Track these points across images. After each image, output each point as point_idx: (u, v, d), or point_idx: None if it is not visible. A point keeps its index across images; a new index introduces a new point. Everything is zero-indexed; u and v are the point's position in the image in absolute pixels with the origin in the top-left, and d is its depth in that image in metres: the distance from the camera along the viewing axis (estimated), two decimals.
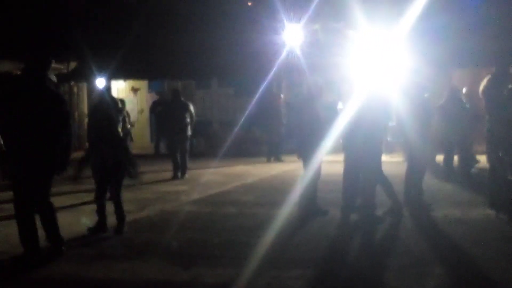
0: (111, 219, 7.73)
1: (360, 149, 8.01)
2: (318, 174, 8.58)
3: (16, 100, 6.09)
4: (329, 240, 7.18)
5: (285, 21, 16.93)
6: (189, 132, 13.61)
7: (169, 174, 13.38)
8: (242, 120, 19.13)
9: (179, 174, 13.30)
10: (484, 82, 8.91)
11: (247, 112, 19.09)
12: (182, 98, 14.12)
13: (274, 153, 17.03)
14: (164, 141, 18.73)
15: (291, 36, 17.17)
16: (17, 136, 6.08)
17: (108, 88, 9.43)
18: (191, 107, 13.79)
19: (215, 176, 13.61)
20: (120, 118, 8.93)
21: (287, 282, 5.41)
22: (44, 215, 6.35)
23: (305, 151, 8.51)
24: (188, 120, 13.52)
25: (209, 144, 20.01)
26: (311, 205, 8.53)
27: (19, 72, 18.96)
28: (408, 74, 9.65)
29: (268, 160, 16.72)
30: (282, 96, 18.59)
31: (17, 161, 6.14)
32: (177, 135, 13.50)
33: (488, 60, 15.09)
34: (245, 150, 19.06)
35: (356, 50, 16.29)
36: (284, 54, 17.57)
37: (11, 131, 6.14)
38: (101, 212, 7.72)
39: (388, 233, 7.57)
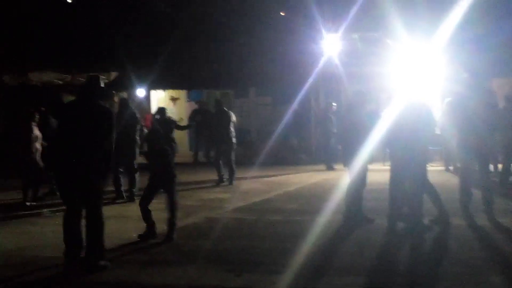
0: (160, 226, 7.85)
1: (406, 158, 8.00)
2: (363, 182, 8.61)
3: (70, 116, 6.45)
4: (377, 248, 7.18)
5: (323, 30, 17.01)
6: (234, 141, 13.77)
7: (210, 182, 13.51)
8: (279, 128, 19.21)
9: (225, 180, 13.53)
10: None
11: (284, 121, 19.18)
12: (225, 108, 14.24)
13: (328, 161, 16.83)
14: (203, 149, 18.94)
15: (329, 45, 17.24)
16: (70, 148, 6.25)
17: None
18: (234, 117, 13.95)
19: (256, 184, 13.69)
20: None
21: None
22: (93, 224, 6.35)
23: (350, 160, 8.53)
24: (232, 129, 13.70)
25: (247, 153, 20.10)
26: (357, 213, 8.55)
27: (61, 82, 19.50)
28: (448, 83, 9.61)
29: (329, 168, 16.47)
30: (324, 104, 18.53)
31: (69, 170, 6.28)
32: (222, 144, 13.68)
33: None
34: (283, 159, 19.11)
35: (395, 59, 16.32)
36: (322, 63, 17.64)
37: (65, 144, 6.33)
38: (147, 218, 7.84)
39: (436, 241, 7.54)
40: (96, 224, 6.34)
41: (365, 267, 6.26)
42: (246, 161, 17.97)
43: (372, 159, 8.76)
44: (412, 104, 8.25)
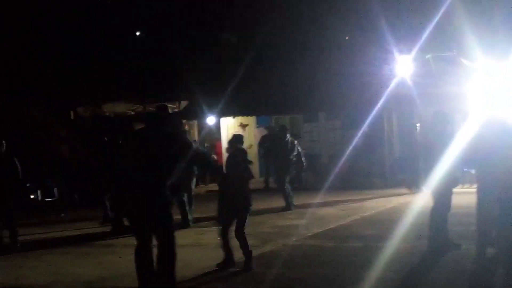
0: (237, 253, 7.72)
1: (497, 180, 7.60)
2: (448, 205, 8.23)
3: (139, 142, 6.29)
4: (468, 275, 6.82)
5: (395, 52, 16.68)
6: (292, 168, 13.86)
7: (279, 207, 13.40)
8: (350, 152, 18.90)
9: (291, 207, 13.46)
10: None
11: (355, 144, 18.86)
12: (288, 135, 14.20)
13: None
14: (274, 175, 18.80)
15: (401, 66, 16.88)
16: (139, 176, 6.05)
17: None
18: (296, 144, 14.01)
19: (330, 209, 13.44)
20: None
21: None
22: (166, 256, 6.14)
23: (432, 182, 8.16)
24: (293, 156, 13.77)
25: (317, 177, 19.86)
26: (443, 239, 8.16)
27: (133, 113, 19.86)
28: None
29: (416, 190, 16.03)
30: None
31: (140, 201, 6.07)
32: (285, 170, 13.67)
33: None
34: (355, 183, 18.76)
35: (470, 79, 15.83)
36: (394, 84, 17.28)
37: (133, 172, 6.12)
38: (226, 247, 7.73)
39: None
40: (169, 256, 6.12)
41: None
42: (317, 186, 17.73)
43: (457, 182, 8.37)
44: (499, 122, 7.89)
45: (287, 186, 13.83)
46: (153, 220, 6.03)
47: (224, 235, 7.71)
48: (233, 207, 7.75)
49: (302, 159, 14.42)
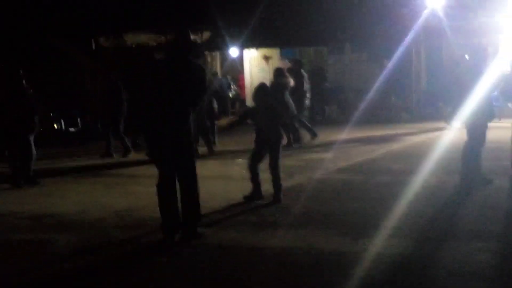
0: (263, 187, 7.63)
1: None
2: (482, 141, 7.99)
3: (160, 75, 5.98)
4: (502, 210, 6.65)
5: None
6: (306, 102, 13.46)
7: (307, 141, 13.25)
8: (377, 86, 18.60)
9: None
10: None
11: (382, 78, 18.53)
12: (302, 70, 13.87)
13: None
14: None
15: None
16: (161, 108, 5.83)
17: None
18: (305, 78, 13.60)
19: (356, 143, 13.27)
20: None
21: (472, 255, 5.00)
22: (189, 188, 5.90)
23: (470, 118, 7.90)
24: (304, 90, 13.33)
25: (342, 111, 19.67)
26: (476, 174, 7.96)
27: (155, 44, 19.55)
28: None
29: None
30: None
31: (161, 135, 5.86)
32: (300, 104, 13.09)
33: None
34: (381, 117, 18.54)
35: (503, 12, 15.29)
36: (424, 16, 16.77)
37: (155, 103, 5.89)
38: (255, 180, 7.63)
39: None
40: (192, 189, 5.90)
41: (492, 231, 5.78)
42: (343, 119, 17.54)
43: (493, 116, 8.10)
44: None
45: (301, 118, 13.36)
46: (176, 148, 5.83)
47: (254, 168, 7.59)
48: (265, 141, 7.61)
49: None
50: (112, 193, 8.46)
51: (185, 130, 5.85)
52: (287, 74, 12.80)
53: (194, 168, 5.93)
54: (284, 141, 12.36)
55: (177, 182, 5.88)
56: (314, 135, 13.45)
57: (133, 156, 11.97)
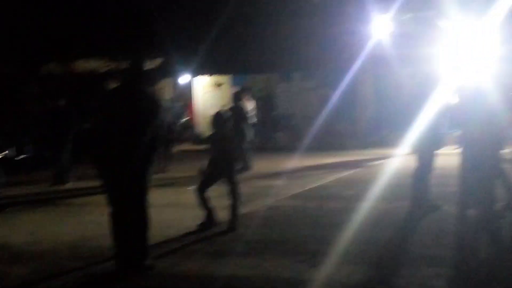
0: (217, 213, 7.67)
1: (480, 141, 7.62)
2: (430, 167, 8.24)
3: (113, 105, 5.89)
4: (451, 236, 6.84)
5: (372, 12, 16.54)
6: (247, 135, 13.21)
7: (258, 169, 13.27)
8: (325, 113, 18.91)
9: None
10: None
11: (330, 105, 18.87)
12: (240, 102, 13.44)
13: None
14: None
15: (378, 27, 16.78)
16: (113, 139, 5.74)
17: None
18: (245, 111, 13.28)
19: (307, 170, 13.43)
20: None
21: (427, 282, 5.12)
22: (138, 219, 5.79)
23: (418, 144, 8.15)
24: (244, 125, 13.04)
25: (291, 138, 19.87)
26: (424, 200, 8.19)
27: (105, 70, 19.43)
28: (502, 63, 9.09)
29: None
30: None
31: (113, 162, 5.74)
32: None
33: None
34: (329, 144, 18.80)
35: (448, 40, 15.79)
36: (370, 45, 17.19)
37: (107, 135, 5.80)
38: (206, 206, 7.65)
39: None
40: (142, 220, 5.79)
41: (444, 257, 5.92)
42: (292, 146, 17.72)
43: (442, 143, 8.37)
44: (474, 86, 7.88)
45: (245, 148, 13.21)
46: (126, 182, 5.69)
47: (201, 194, 7.62)
48: (217, 167, 7.66)
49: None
50: (65, 222, 8.33)
51: (139, 160, 5.72)
52: (245, 98, 12.98)
53: (144, 200, 5.80)
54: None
55: None
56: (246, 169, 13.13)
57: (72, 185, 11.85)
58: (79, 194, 10.98)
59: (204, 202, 7.66)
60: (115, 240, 5.78)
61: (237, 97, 13.31)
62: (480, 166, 7.66)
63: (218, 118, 7.81)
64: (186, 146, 19.86)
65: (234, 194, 7.60)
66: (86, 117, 11.12)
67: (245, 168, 12.92)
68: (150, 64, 19.82)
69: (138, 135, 5.72)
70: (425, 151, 8.11)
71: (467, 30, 15.20)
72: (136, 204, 5.77)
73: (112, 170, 5.74)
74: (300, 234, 7.12)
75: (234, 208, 7.56)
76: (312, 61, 18.35)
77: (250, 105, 13.56)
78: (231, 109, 12.73)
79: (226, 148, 7.62)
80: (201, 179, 7.80)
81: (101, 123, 5.96)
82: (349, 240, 6.68)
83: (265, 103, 19.22)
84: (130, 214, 5.76)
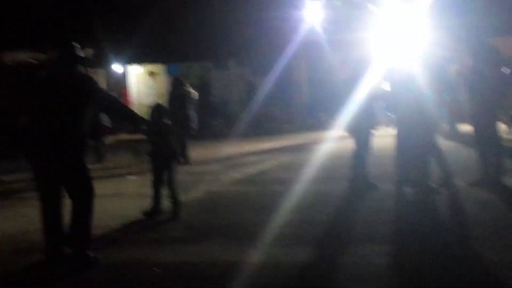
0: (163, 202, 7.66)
1: (413, 121, 7.87)
2: (368, 148, 8.47)
3: (45, 90, 5.61)
4: (391, 214, 7.02)
5: None
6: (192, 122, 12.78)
7: (198, 156, 13.24)
8: (260, 99, 19.07)
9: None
10: None
11: (265, 91, 19.03)
12: (185, 87, 13.01)
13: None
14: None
15: (311, 12, 16.97)
16: (48, 126, 5.50)
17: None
18: (192, 95, 12.95)
19: (245, 155, 13.51)
20: None
21: (372, 259, 5.26)
22: (81, 210, 5.61)
23: (354, 126, 8.36)
24: (190, 111, 12.69)
25: (228, 125, 19.93)
26: (362, 180, 8.42)
27: (36, 62, 18.88)
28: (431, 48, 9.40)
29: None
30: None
31: (50, 150, 5.52)
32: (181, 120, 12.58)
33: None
34: (265, 129, 18.98)
35: (379, 25, 16.14)
36: (303, 31, 17.39)
37: (42, 121, 5.54)
38: (157, 197, 7.64)
39: (449, 204, 7.42)
40: (84, 211, 5.60)
41: (385, 234, 6.10)
42: (229, 133, 17.79)
43: (377, 124, 8.62)
44: (404, 70, 8.14)
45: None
46: (66, 169, 5.53)
47: (157, 184, 7.60)
48: (160, 157, 7.64)
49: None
50: (2, 216, 8.12)
51: (77, 146, 5.55)
52: (187, 84, 12.78)
53: (89, 189, 5.64)
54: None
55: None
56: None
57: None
58: (17, 186, 10.70)
59: (157, 192, 7.62)
60: (50, 235, 5.61)
61: (179, 83, 12.99)
62: (413, 145, 7.95)
63: (156, 110, 7.78)
64: (121, 136, 19.60)
65: (171, 182, 7.58)
66: (19, 110, 10.79)
67: (187, 160, 12.80)
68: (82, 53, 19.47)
69: (74, 120, 5.51)
70: (361, 133, 8.32)
71: (398, 14, 15.60)
72: (79, 191, 5.60)
73: (45, 159, 5.53)
74: (244, 219, 7.17)
75: (173, 196, 7.55)
76: (245, 48, 18.38)
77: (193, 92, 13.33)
78: (178, 95, 12.55)
79: (165, 139, 7.59)
80: (152, 169, 7.76)
81: (31, 110, 5.69)
82: (293, 222, 6.79)
83: (201, 91, 19.13)
84: (59, 205, 5.60)
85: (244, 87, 20.63)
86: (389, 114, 8.62)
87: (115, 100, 6.18)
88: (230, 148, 14.69)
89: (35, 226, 7.08)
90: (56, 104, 5.49)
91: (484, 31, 10.13)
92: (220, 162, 12.64)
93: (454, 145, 11.86)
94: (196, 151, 13.54)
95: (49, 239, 5.61)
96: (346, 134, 8.85)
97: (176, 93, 12.68)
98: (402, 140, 8.16)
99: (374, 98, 8.51)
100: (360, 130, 8.33)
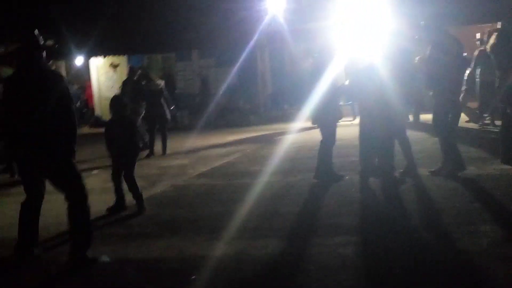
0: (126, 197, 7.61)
1: (375, 111, 7.95)
2: (333, 139, 8.52)
3: (16, 86, 5.50)
4: (357, 204, 7.09)
5: None
6: (167, 111, 13.00)
7: (159, 149, 13.12)
8: (225, 91, 19.04)
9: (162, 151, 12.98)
10: (492, 39, 8.90)
11: (229, 83, 19.01)
12: (153, 81, 13.27)
13: None
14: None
15: (274, 3, 16.96)
16: (24, 125, 5.39)
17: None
18: (162, 86, 13.21)
19: (211, 148, 13.49)
20: None
21: (336, 250, 5.31)
22: (76, 205, 5.54)
23: (320, 118, 8.40)
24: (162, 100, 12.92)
25: (193, 117, 19.85)
26: (328, 171, 8.48)
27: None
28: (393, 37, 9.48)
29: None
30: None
31: (30, 150, 5.42)
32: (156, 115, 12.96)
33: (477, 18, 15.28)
34: (231, 121, 18.97)
35: (340, 13, 16.23)
36: (266, 21, 17.39)
37: (15, 118, 5.44)
38: (118, 191, 7.58)
39: (413, 194, 7.51)
40: (77, 211, 5.50)
41: (351, 225, 6.15)
42: (194, 125, 17.71)
43: (341, 115, 8.70)
44: (365, 60, 8.22)
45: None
46: (50, 166, 5.43)
47: (116, 179, 7.53)
48: (120, 151, 7.57)
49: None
50: None
51: (56, 143, 5.40)
52: (154, 77, 12.87)
53: (78, 189, 5.52)
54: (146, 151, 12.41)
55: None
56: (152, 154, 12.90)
57: None
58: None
59: (118, 186, 7.56)
60: (24, 233, 5.58)
61: (146, 76, 13.11)
62: (377, 135, 8.04)
63: (117, 102, 7.72)
64: (84, 130, 19.38)
65: (130, 175, 7.52)
66: None
67: (151, 151, 12.78)
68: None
69: (49, 118, 5.36)
70: (327, 124, 8.37)
71: (360, 3, 15.69)
72: (68, 187, 5.51)
73: (26, 155, 5.46)
74: (211, 212, 7.17)
75: (134, 189, 7.49)
76: (209, 39, 18.30)
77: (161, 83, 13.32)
78: (150, 90, 12.78)
79: (126, 132, 7.52)
80: (112, 163, 7.69)
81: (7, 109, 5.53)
82: (259, 214, 6.82)
83: (166, 83, 18.97)
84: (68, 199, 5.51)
85: (209, 79, 20.52)
86: (350, 104, 8.70)
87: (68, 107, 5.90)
88: (195, 141, 14.65)
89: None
90: (30, 103, 5.35)
91: (443, 20, 10.37)
92: (187, 155, 12.61)
93: (419, 134, 12.01)
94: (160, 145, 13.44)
95: (22, 235, 5.57)
96: (311, 125, 8.91)
97: (146, 87, 12.73)
98: (365, 130, 8.24)
99: (337, 89, 8.57)
100: (326, 121, 8.37)
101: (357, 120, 8.49)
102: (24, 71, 5.54)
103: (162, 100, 12.87)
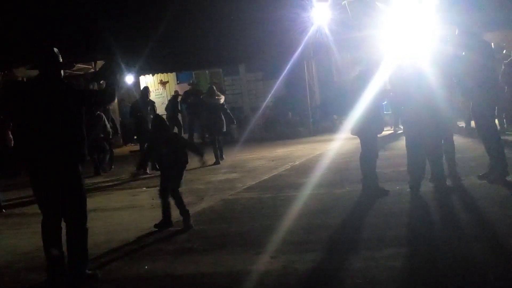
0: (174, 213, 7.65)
1: (424, 121, 7.82)
2: (375, 152, 8.35)
3: (31, 102, 5.41)
4: (405, 216, 6.99)
5: None
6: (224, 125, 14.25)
7: (211, 163, 13.25)
8: (272, 103, 19.06)
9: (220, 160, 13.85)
10: None
11: (276, 94, 19.04)
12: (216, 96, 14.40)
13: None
14: (198, 131, 18.66)
15: (319, 13, 16.92)
16: (39, 140, 5.38)
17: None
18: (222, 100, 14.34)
19: (259, 161, 13.52)
20: None
21: (385, 263, 5.23)
22: (77, 229, 5.55)
23: (361, 129, 8.28)
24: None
25: (242, 130, 19.91)
26: (374, 183, 8.32)
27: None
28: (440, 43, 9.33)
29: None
30: None
31: (44, 166, 5.43)
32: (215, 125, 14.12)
33: None
34: (280, 134, 18.96)
35: (386, 22, 16.06)
36: (311, 32, 17.35)
37: (32, 136, 5.41)
38: (166, 207, 7.63)
39: (463, 203, 7.36)
40: (81, 229, 5.55)
41: (399, 237, 6.06)
42: (243, 139, 17.77)
43: (383, 127, 8.59)
44: (412, 66, 8.10)
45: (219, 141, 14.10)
46: (61, 188, 5.43)
47: (164, 196, 7.59)
48: (169, 168, 7.64)
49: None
50: (19, 234, 8.16)
51: (72, 161, 5.46)
52: (218, 92, 14.22)
53: (83, 205, 5.57)
54: (212, 160, 12.99)
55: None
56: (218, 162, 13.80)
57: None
58: (29, 203, 10.70)
59: (165, 202, 7.62)
60: (48, 249, 5.53)
61: (212, 93, 14.27)
62: (425, 145, 7.90)
63: (156, 124, 7.83)
64: (132, 147, 19.70)
65: (176, 191, 7.55)
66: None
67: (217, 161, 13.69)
68: (91, 67, 19.60)
69: (67, 134, 5.42)
70: (368, 136, 8.24)
71: (407, 11, 15.51)
72: (74, 208, 5.53)
73: (43, 175, 5.46)
74: (258, 226, 7.16)
75: (180, 205, 7.52)
76: (255, 52, 18.37)
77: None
78: (213, 106, 14.04)
79: (170, 147, 7.59)
80: (161, 183, 7.76)
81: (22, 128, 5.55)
82: (306, 228, 6.78)
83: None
84: (69, 220, 5.54)
85: (257, 92, 20.61)
86: (390, 113, 8.58)
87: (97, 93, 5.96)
88: (245, 154, 14.71)
89: None
90: (48, 116, 5.35)
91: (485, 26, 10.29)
92: (235, 168, 12.66)
93: (470, 141, 11.74)
94: (210, 158, 13.54)
95: (49, 256, 5.53)
96: (352, 136, 8.80)
97: (209, 103, 14.19)
98: (411, 140, 8.10)
99: (380, 98, 8.47)
100: (367, 133, 8.24)
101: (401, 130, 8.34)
102: (43, 84, 5.50)
103: (221, 114, 14.02)
